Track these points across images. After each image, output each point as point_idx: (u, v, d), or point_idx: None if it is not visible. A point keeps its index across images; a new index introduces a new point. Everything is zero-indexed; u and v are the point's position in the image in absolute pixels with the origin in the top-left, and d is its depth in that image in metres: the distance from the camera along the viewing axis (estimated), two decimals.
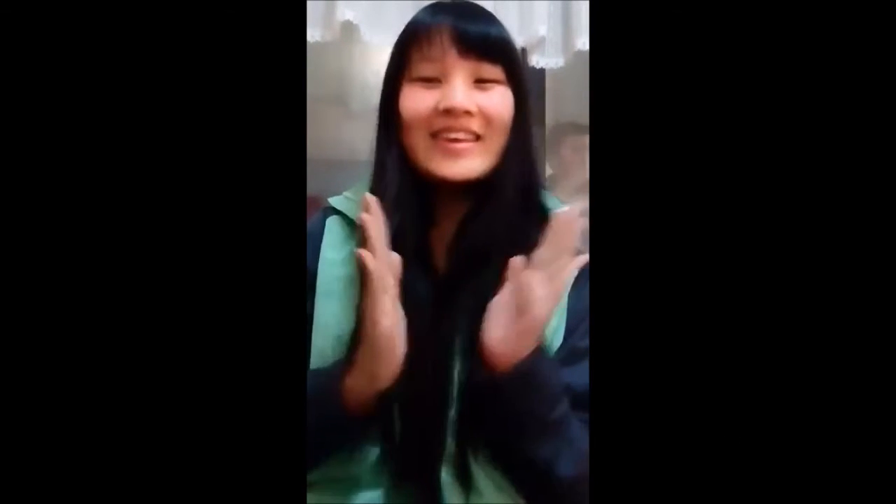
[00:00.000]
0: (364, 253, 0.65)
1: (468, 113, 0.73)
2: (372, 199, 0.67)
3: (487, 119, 0.74)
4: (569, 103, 1.69)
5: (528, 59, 1.48)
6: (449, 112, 0.72)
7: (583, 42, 1.46)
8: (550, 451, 0.68)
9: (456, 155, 0.73)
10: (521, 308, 0.67)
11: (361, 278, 0.67)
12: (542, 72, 1.53)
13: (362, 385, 0.67)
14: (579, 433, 0.69)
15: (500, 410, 0.68)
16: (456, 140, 0.73)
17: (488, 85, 0.74)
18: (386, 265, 0.66)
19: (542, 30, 1.48)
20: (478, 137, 0.74)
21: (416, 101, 0.74)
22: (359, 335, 0.69)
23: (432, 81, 0.74)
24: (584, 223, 0.67)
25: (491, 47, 0.74)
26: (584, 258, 0.67)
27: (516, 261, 0.68)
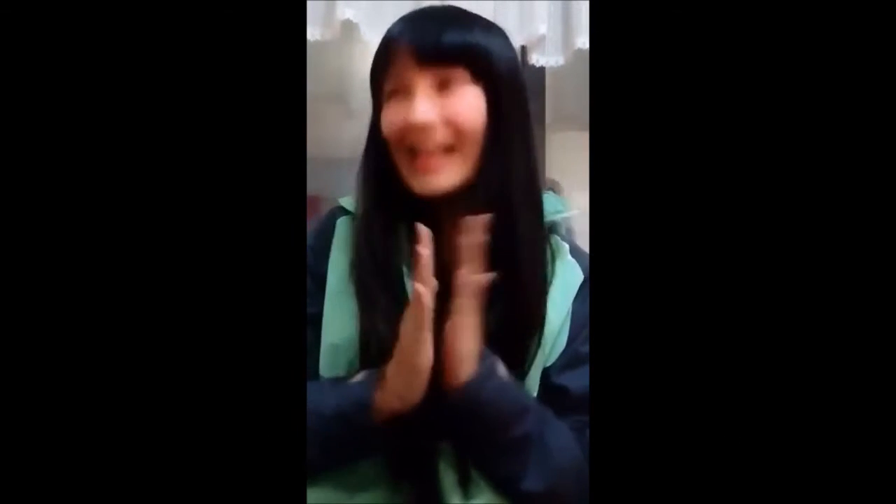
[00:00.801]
0: (422, 289, 0.65)
1: (431, 125, 0.71)
2: (424, 231, 0.66)
3: (455, 127, 0.72)
4: (569, 102, 1.69)
5: (529, 58, 1.48)
6: (413, 127, 0.72)
7: (583, 41, 1.47)
8: (514, 468, 0.69)
9: (428, 170, 0.73)
10: (449, 335, 0.68)
11: (410, 307, 0.67)
12: (542, 70, 1.53)
13: (392, 403, 0.68)
14: (559, 445, 0.70)
15: (459, 428, 0.70)
16: (428, 154, 0.72)
17: (453, 88, 0.72)
18: (432, 296, 0.66)
19: (543, 28, 1.48)
20: (451, 148, 0.73)
21: (390, 119, 0.74)
22: (390, 351, 0.69)
23: (400, 94, 0.73)
24: (479, 237, 0.67)
25: (448, 52, 0.72)
26: (485, 277, 0.67)
27: (457, 276, 0.68)
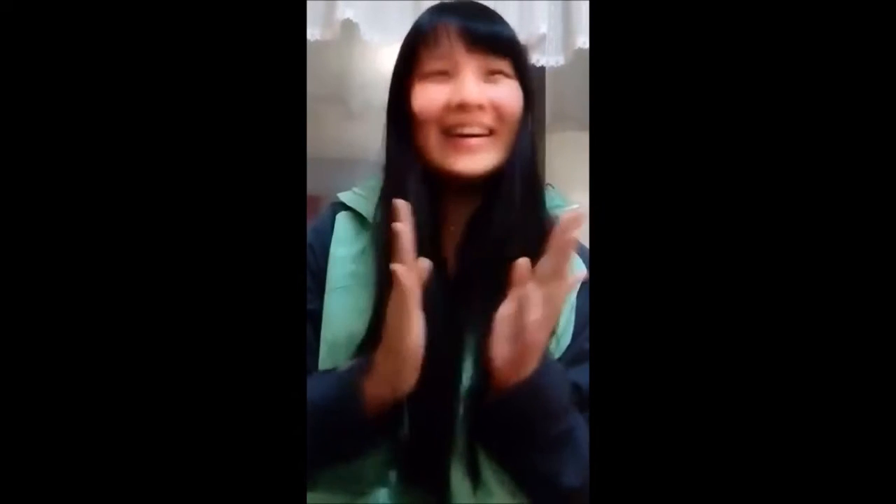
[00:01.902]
0: (398, 268, 0.63)
1: (480, 107, 0.73)
2: (403, 206, 0.66)
3: (499, 112, 0.74)
4: (569, 102, 1.69)
5: (529, 58, 1.48)
6: (462, 107, 0.73)
7: (583, 40, 1.46)
8: (556, 463, 0.69)
9: (470, 150, 0.74)
10: (520, 328, 0.66)
11: (390, 286, 0.65)
12: (542, 70, 1.53)
13: (382, 390, 0.67)
14: (585, 441, 0.69)
15: (507, 425, 0.69)
16: (470, 135, 0.74)
17: (498, 77, 0.75)
18: (416, 275, 0.65)
19: (543, 28, 1.48)
20: (490, 131, 0.75)
21: (427, 97, 0.74)
22: (378, 339, 0.68)
23: (443, 76, 0.75)
24: (582, 228, 0.65)
25: (498, 42, 0.75)
26: (582, 275, 0.68)
27: (521, 265, 0.66)
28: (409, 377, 0.66)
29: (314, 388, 0.68)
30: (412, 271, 0.64)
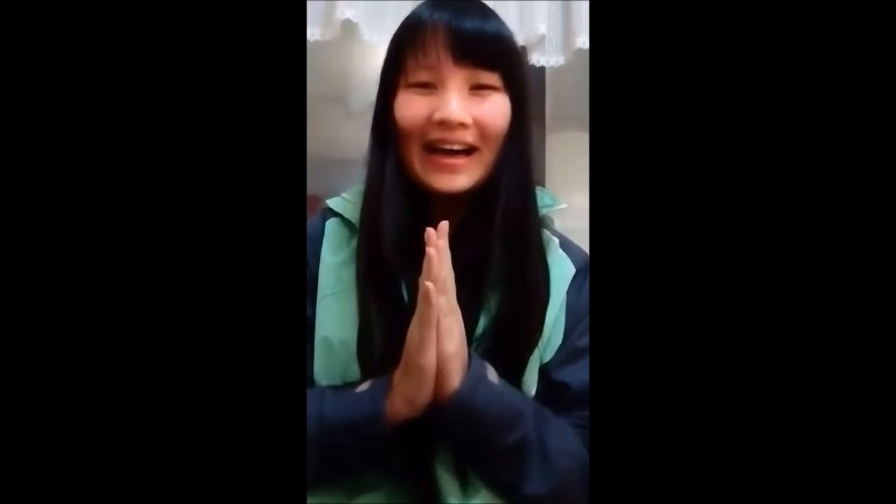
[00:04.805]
0: (431, 287, 0.64)
1: (463, 125, 0.72)
2: (432, 232, 0.66)
3: (482, 129, 0.73)
4: (569, 102, 1.69)
5: (529, 58, 1.48)
6: (444, 124, 0.72)
7: (583, 40, 1.46)
8: (513, 474, 0.68)
9: (450, 169, 0.73)
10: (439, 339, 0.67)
11: (417, 306, 0.66)
12: (542, 70, 1.53)
13: (402, 408, 0.67)
14: (560, 447, 0.69)
15: (452, 437, 0.69)
16: (450, 153, 0.73)
17: (485, 92, 0.73)
18: (444, 299, 0.66)
19: (543, 28, 1.48)
20: (472, 149, 0.73)
21: (411, 108, 0.73)
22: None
23: (428, 87, 0.73)
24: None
25: (487, 53, 0.72)
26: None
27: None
28: (428, 393, 0.67)
29: (330, 407, 0.68)
30: (442, 293, 0.65)
